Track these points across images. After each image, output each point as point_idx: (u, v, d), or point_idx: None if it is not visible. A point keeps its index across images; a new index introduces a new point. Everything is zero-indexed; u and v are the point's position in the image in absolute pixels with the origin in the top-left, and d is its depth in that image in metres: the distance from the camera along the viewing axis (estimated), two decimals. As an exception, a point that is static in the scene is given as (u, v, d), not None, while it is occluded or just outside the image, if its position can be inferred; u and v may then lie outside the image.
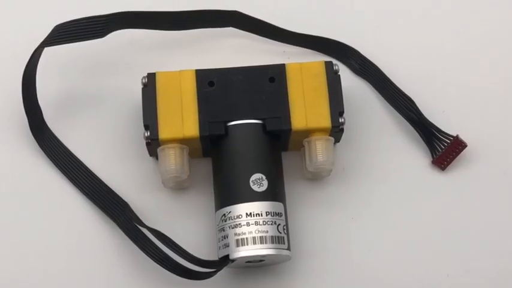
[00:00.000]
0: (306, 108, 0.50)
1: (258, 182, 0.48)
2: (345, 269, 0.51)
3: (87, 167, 0.52)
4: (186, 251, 0.47)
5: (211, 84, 0.50)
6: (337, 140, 0.52)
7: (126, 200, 0.51)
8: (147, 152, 0.52)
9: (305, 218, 0.52)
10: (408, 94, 0.54)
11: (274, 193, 0.48)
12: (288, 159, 0.52)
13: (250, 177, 0.48)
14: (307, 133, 0.50)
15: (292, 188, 0.52)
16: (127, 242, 0.49)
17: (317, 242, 0.51)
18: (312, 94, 0.50)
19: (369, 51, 0.56)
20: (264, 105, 0.49)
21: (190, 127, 0.49)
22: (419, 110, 0.53)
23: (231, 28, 0.55)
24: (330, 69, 0.51)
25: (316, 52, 0.56)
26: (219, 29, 0.55)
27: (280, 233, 0.48)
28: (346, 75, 0.55)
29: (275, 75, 0.50)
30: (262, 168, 0.48)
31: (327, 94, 0.50)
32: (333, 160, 0.50)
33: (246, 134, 0.49)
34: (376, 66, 0.55)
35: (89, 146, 0.53)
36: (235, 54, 0.56)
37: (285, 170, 0.51)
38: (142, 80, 0.50)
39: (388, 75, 0.55)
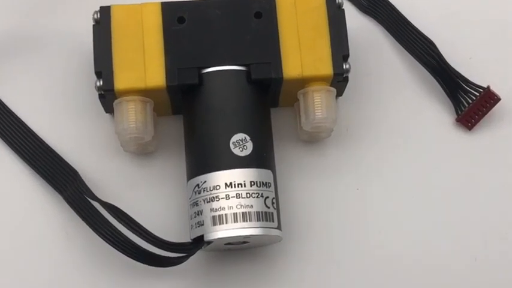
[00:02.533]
0: (302, 51, 0.47)
1: (241, 144, 0.45)
2: (350, 252, 0.49)
3: (27, 127, 0.50)
4: (149, 232, 0.44)
5: (182, 20, 0.47)
6: (339, 93, 0.50)
7: (75, 168, 0.48)
8: (102, 108, 0.49)
9: (300, 189, 0.49)
10: (428, 36, 0.51)
11: (261, 158, 0.46)
12: (278, 117, 0.50)
13: (230, 139, 0.45)
14: (303, 83, 0.47)
15: (284, 152, 0.50)
16: (76, 220, 0.47)
17: (314, 218, 0.49)
18: (308, 33, 0.47)
19: (379, -17, 0.53)
20: (248, 47, 0.47)
21: (155, 75, 0.46)
22: (441, 56, 0.50)
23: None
24: (331, 2, 0.48)
25: (312, -14, 0.54)
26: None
27: (269, 207, 0.45)
28: (351, 14, 0.52)
29: (262, 10, 0.47)
30: (245, 127, 0.46)
31: (328, 33, 0.47)
32: (335, 117, 0.47)
33: (226, 84, 0.46)
34: (389, 2, 0.52)
35: (30, 101, 0.50)
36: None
37: (275, 130, 0.48)
38: (93, 15, 0.47)
39: (403, 13, 0.52)
